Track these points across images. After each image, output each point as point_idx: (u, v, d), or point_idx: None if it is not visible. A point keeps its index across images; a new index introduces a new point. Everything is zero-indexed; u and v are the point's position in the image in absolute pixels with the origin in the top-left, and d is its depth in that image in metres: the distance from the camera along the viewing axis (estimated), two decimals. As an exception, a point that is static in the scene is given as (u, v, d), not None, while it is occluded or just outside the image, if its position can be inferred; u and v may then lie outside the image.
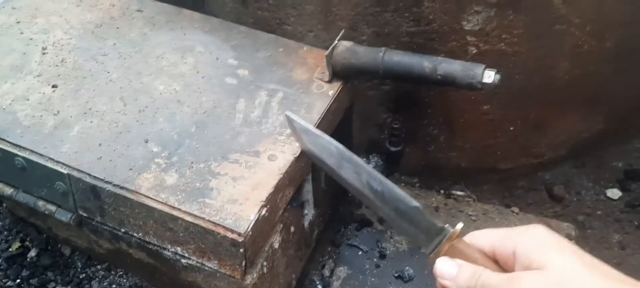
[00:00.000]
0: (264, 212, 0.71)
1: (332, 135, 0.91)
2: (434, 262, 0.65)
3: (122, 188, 0.73)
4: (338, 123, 0.92)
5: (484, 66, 0.79)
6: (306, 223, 0.93)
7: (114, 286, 0.87)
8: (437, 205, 1.11)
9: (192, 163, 0.75)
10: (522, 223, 1.08)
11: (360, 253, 1.01)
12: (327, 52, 0.85)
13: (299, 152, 0.77)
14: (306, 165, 0.81)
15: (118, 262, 0.88)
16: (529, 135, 1.07)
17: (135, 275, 0.87)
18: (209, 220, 0.69)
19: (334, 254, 1.03)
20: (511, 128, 1.05)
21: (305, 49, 0.93)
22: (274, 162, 0.75)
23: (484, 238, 0.63)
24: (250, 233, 0.69)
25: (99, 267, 0.89)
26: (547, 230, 0.60)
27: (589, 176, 1.17)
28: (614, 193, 1.14)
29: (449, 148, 1.09)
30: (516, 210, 1.11)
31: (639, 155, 1.19)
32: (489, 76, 0.79)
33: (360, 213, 1.08)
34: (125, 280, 0.87)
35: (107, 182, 0.73)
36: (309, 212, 0.95)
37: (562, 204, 1.13)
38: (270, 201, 0.72)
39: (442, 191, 1.14)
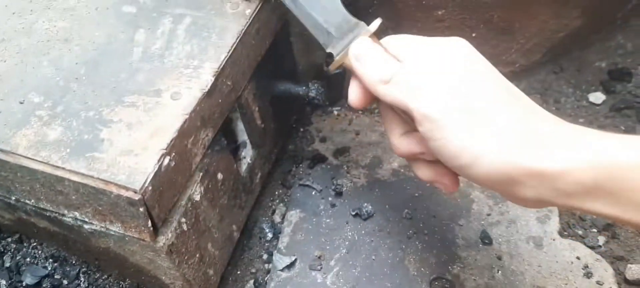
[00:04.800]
0: (167, 161, 0.59)
1: (264, 62, 0.79)
2: (338, 64, 0.60)
3: (-4, 150, 0.61)
4: (268, 48, 0.79)
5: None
6: (243, 168, 0.81)
7: (28, 259, 0.76)
8: (398, 131, 0.99)
9: (80, 112, 0.63)
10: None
11: (313, 193, 0.91)
12: (238, -38, 0.71)
13: (209, 86, 0.64)
14: (224, 102, 0.69)
15: (28, 233, 0.77)
16: (496, 41, 0.93)
17: (50, 245, 0.76)
18: (98, 178, 0.57)
19: (285, 197, 0.92)
20: (473, 35, 0.91)
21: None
22: (177, 100, 0.63)
23: (397, 42, 0.57)
24: (150, 188, 0.57)
25: (9, 239, 0.78)
26: (453, 47, 0.53)
27: (569, 81, 1.04)
28: (598, 97, 1.02)
29: (406, 65, 0.96)
30: (487, 127, 0.99)
31: (623, 52, 1.05)
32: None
33: (312, 149, 0.97)
34: (40, 251, 0.77)
35: (-22, 145, 0.61)
36: (247, 155, 0.83)
37: (538, 115, 1.01)
38: (176, 148, 0.60)
39: (402, 116, 1.02)
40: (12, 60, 0.68)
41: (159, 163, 0.58)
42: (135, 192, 0.56)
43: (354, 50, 0.57)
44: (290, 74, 0.92)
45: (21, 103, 0.64)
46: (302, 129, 1.00)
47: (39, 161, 0.59)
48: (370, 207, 0.86)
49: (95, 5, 0.74)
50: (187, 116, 0.62)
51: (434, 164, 0.57)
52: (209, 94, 0.65)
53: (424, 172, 0.58)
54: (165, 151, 0.59)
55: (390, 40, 0.57)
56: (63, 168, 0.58)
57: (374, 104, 0.60)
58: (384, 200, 0.88)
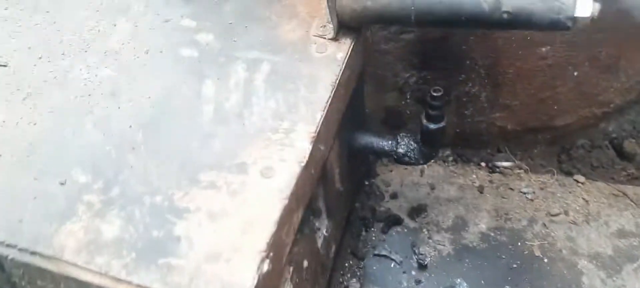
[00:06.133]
0: (266, 266, 0.44)
1: (346, 113, 0.64)
2: None
3: (33, 253, 0.45)
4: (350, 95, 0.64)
5: (574, -7, 0.52)
6: (320, 243, 0.66)
7: None
8: (480, 184, 0.85)
9: (142, 196, 0.47)
10: (590, 196, 0.84)
11: (392, 265, 0.76)
12: (328, -6, 0.56)
13: (308, 157, 0.50)
14: (316, 171, 0.54)
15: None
16: (596, 80, 0.81)
17: None
18: (179, 296, 0.42)
19: (357, 269, 0.77)
20: (575, 73, 0.79)
21: (293, -8, 0.64)
22: (270, 178, 0.48)
23: None
24: (249, 309, 0.42)
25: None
26: None
27: (661, 123, 0.92)
28: (693, 139, 0.90)
29: (492, 108, 0.83)
30: (581, 178, 0.86)
31: None
32: (585, 6, 0.52)
33: (384, 209, 0.82)
34: None
35: (8, 246, 0.45)
36: (322, 226, 0.68)
37: (635, 162, 0.88)
38: (274, 246, 0.45)
39: (482, 164, 0.88)
40: (45, 123, 0.52)
41: (259, 270, 0.43)
42: (232, 316, 0.41)
43: None
44: (358, 119, 0.77)
45: (62, 184, 0.48)
46: (366, 182, 0.86)
47: (94, 272, 0.43)
48: (465, 284, 0.72)
49: (144, 47, 0.58)
50: (286, 201, 0.47)
51: None
52: (306, 167, 0.50)
53: None
54: (264, 253, 0.44)
55: None
56: (128, 283, 0.43)
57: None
58: (477, 273, 0.74)
